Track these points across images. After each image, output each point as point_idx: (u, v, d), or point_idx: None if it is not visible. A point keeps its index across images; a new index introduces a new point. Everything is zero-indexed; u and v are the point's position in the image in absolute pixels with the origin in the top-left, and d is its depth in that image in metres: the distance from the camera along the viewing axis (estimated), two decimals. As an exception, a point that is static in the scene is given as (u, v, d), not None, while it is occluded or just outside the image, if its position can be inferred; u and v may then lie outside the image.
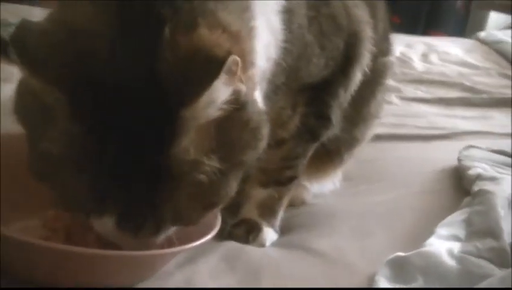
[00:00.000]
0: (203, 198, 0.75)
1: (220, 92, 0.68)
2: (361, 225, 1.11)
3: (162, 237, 0.76)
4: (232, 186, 0.77)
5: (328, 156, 1.16)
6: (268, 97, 0.85)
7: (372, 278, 0.90)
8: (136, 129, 0.68)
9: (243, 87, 0.71)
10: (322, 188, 1.23)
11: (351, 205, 1.21)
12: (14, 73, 1.19)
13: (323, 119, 1.02)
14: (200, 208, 0.76)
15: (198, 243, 0.80)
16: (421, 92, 2.15)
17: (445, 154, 1.52)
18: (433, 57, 2.59)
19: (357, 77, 1.03)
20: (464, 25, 3.96)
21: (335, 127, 1.04)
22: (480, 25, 3.81)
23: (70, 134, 0.68)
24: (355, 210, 1.18)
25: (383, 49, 1.13)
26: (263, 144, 0.77)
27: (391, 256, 0.93)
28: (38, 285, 0.74)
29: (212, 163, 0.71)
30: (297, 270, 0.93)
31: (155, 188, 0.70)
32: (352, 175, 1.32)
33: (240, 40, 0.73)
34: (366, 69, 1.04)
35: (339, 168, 1.22)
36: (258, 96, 0.80)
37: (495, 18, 3.94)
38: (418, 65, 2.44)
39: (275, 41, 0.85)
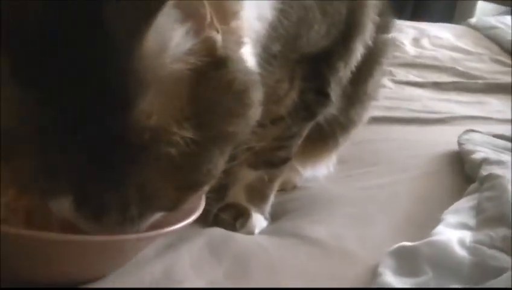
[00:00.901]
0: (177, 176, 0.61)
1: (175, 34, 0.55)
2: (359, 211, 1.01)
3: (134, 227, 0.63)
4: (217, 164, 0.64)
5: (323, 139, 1.06)
6: (262, 67, 0.74)
7: (374, 269, 0.80)
8: (84, 89, 0.55)
9: (218, 37, 0.58)
10: (315, 172, 1.14)
11: (346, 189, 1.11)
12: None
13: (322, 95, 0.92)
14: (173, 189, 0.62)
15: (176, 227, 0.69)
16: (413, 76, 2.10)
17: (442, 138, 1.44)
18: (425, 42, 2.54)
19: (359, 50, 0.94)
20: (451, 14, 3.89)
21: (333, 105, 0.94)
22: (468, 15, 3.74)
23: (11, 100, 0.56)
24: (351, 195, 1.09)
25: (384, 24, 1.03)
26: (255, 112, 0.64)
27: (395, 246, 0.83)
28: None
29: (183, 133, 0.58)
30: (291, 260, 0.83)
31: (112, 162, 0.57)
32: (347, 158, 1.22)
33: None
34: (370, 42, 0.94)
35: (334, 151, 1.13)
36: (248, 56, 0.66)
37: (482, 7, 3.88)
38: (410, 49, 2.39)
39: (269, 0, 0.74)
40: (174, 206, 0.65)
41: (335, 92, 0.92)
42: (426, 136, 1.52)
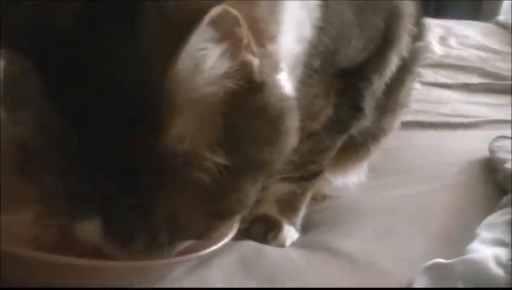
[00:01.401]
0: (207, 204, 0.59)
1: (210, 55, 0.53)
2: (390, 224, 0.99)
3: (162, 253, 0.61)
4: (248, 193, 0.62)
5: (354, 148, 1.04)
6: (303, 82, 0.72)
7: (407, 286, 0.79)
8: (114, 111, 0.53)
9: (255, 61, 0.57)
10: (346, 181, 1.12)
11: (376, 199, 1.10)
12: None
13: (356, 109, 0.90)
14: (204, 217, 0.61)
15: (204, 252, 0.67)
16: (441, 76, 2.06)
17: (472, 144, 1.41)
18: (452, 41, 2.49)
19: (394, 62, 0.92)
20: (476, 12, 3.82)
21: (367, 118, 0.93)
22: (494, 12, 3.67)
23: (40, 116, 0.56)
24: (381, 206, 1.07)
25: (418, 32, 1.01)
26: (289, 140, 0.62)
27: (429, 263, 0.81)
28: None
29: (216, 158, 0.56)
30: (322, 274, 0.82)
31: (142, 187, 0.55)
32: (376, 166, 1.20)
33: (253, 5, 0.59)
34: (405, 53, 0.92)
35: (365, 160, 1.12)
36: (285, 81, 0.63)
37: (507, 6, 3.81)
38: (437, 49, 2.33)
39: (309, 19, 0.73)
40: (203, 235, 0.64)
41: (369, 106, 0.91)
42: (456, 142, 1.49)
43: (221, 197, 0.60)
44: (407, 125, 1.42)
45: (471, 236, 0.90)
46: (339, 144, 0.94)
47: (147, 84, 0.52)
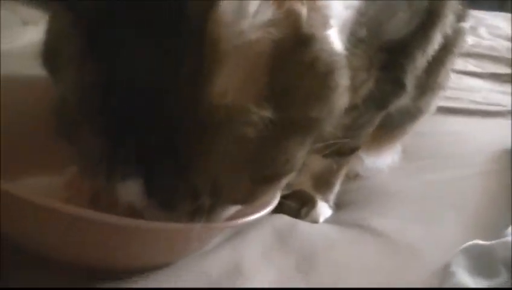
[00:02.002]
0: (252, 166, 0.56)
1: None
2: (425, 206, 0.97)
3: (203, 218, 0.59)
4: (296, 154, 0.58)
5: (390, 126, 1.02)
6: (348, 51, 0.70)
7: (445, 268, 0.77)
8: (154, 61, 0.51)
9: (303, 10, 0.53)
10: (379, 161, 1.10)
11: (410, 182, 1.07)
12: (36, 16, 1.09)
13: (398, 85, 0.88)
14: (248, 181, 0.57)
15: (247, 219, 0.65)
16: (471, 65, 2.02)
17: (505, 132, 1.37)
18: (482, 31, 2.45)
19: (437, 39, 0.89)
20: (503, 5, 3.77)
21: (407, 95, 0.90)
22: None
23: (80, 75, 0.54)
24: (415, 188, 1.05)
25: (461, 12, 0.99)
26: (340, 97, 0.58)
27: (468, 243, 0.79)
28: (44, 257, 0.61)
29: (263, 112, 0.53)
30: (357, 252, 0.80)
31: (183, 146, 0.52)
32: (408, 149, 1.17)
33: None
34: (449, 31, 0.90)
35: (399, 140, 1.09)
36: (335, 38, 0.60)
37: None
38: (467, 38, 2.28)
39: None
40: (247, 200, 0.61)
41: (410, 82, 0.88)
42: (488, 129, 1.46)
43: (267, 157, 0.56)
44: (439, 110, 1.39)
45: (505, 222, 0.89)
46: (377, 120, 0.92)
47: (188, 29, 0.49)
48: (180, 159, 0.53)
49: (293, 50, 0.54)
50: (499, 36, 2.44)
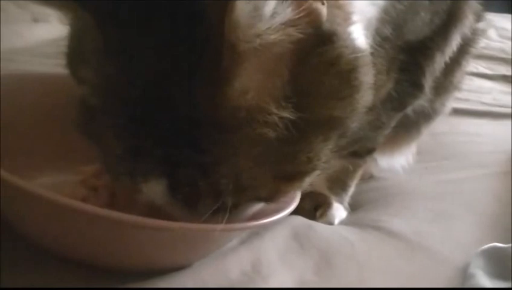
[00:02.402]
0: (274, 164, 0.55)
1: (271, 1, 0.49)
2: (441, 207, 0.96)
3: (226, 216, 0.57)
4: (319, 153, 0.57)
5: (405, 127, 1.01)
6: (375, 50, 0.69)
7: (462, 269, 0.76)
8: (172, 63, 0.51)
9: (323, 9, 0.52)
10: (393, 162, 1.09)
11: (424, 182, 1.07)
12: (46, 13, 1.09)
13: (416, 87, 0.87)
14: (271, 178, 0.57)
15: (268, 220, 0.64)
16: (481, 67, 2.01)
17: (516, 135, 1.37)
18: (492, 33, 2.43)
19: (456, 41, 0.89)
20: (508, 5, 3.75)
21: (425, 97, 0.89)
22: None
23: (101, 73, 0.54)
24: (429, 189, 1.04)
25: (479, 11, 0.98)
26: (363, 95, 0.57)
27: (487, 246, 0.79)
28: (52, 254, 0.60)
29: (283, 113, 0.52)
30: (376, 253, 0.79)
31: (205, 145, 0.52)
32: (422, 149, 1.18)
33: None
34: (468, 33, 0.89)
35: (415, 141, 1.08)
36: (359, 34, 0.60)
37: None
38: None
39: None
40: (270, 198, 0.60)
41: (428, 84, 0.88)
42: (499, 131, 1.44)
43: (289, 157, 0.56)
44: (451, 111, 1.39)
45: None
46: (394, 122, 0.91)
47: (206, 32, 0.49)
48: (203, 157, 0.52)
49: (314, 49, 0.53)
50: (508, 38, 2.43)
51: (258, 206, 0.63)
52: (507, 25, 2.57)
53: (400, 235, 0.84)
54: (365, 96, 0.58)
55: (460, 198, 1.01)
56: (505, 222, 0.93)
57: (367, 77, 0.57)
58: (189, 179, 0.54)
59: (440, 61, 0.88)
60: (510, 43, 2.36)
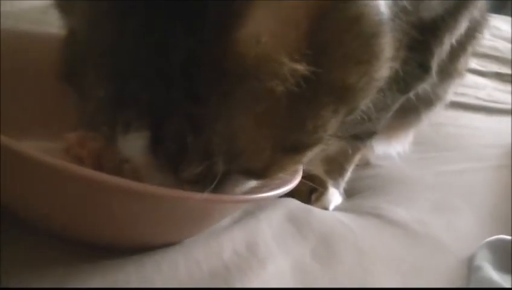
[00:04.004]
0: (276, 130, 0.49)
1: None
2: (441, 197, 0.92)
3: (213, 185, 0.50)
4: (327, 123, 0.51)
5: (404, 113, 0.95)
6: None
7: (463, 258, 0.74)
8: None
9: None
10: (389, 150, 1.04)
11: (422, 172, 1.03)
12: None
13: (423, 69, 0.81)
14: (269, 149, 0.50)
15: (266, 195, 0.57)
16: (474, 64, 1.98)
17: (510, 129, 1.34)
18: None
19: (464, 23, 0.84)
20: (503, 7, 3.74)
21: (430, 80, 0.85)
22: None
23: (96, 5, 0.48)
24: (428, 179, 1.00)
25: None
26: (382, 67, 0.51)
27: (492, 238, 0.76)
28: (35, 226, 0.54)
29: (295, 66, 0.46)
30: (376, 240, 0.75)
31: (204, 94, 0.45)
32: (419, 140, 1.13)
33: None
34: (477, 14, 0.85)
35: (414, 128, 1.04)
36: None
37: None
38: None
39: None
40: (265, 173, 0.54)
41: (435, 66, 0.83)
42: (495, 125, 1.43)
43: (295, 122, 0.50)
44: (448, 104, 1.36)
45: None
46: (397, 105, 0.86)
47: None
48: (196, 110, 0.46)
49: (336, 2, 0.47)
50: (500, 37, 2.41)
51: (249, 184, 0.56)
52: (498, 25, 2.54)
53: (401, 223, 0.80)
54: (382, 69, 0.52)
55: (458, 190, 0.97)
56: (504, 214, 0.90)
57: (388, 46, 0.52)
58: (176, 132, 0.47)
59: (448, 43, 0.83)
60: (502, 42, 2.34)
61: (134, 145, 0.49)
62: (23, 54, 0.70)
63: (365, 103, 0.55)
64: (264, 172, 0.53)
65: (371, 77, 0.51)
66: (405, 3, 0.62)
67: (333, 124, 0.52)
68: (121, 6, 0.46)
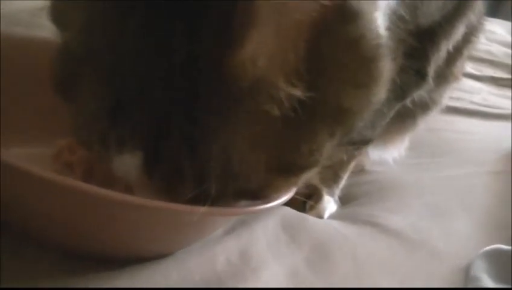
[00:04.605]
0: (271, 152, 0.49)
1: None
2: (437, 203, 0.91)
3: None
4: (322, 146, 0.51)
5: (400, 118, 0.94)
6: (390, 30, 0.63)
7: (460, 265, 0.73)
8: (179, 14, 0.44)
9: None
10: (384, 155, 1.03)
11: (418, 177, 1.01)
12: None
13: (420, 75, 0.80)
14: (265, 168, 0.50)
15: (256, 208, 0.56)
16: (469, 68, 1.97)
17: (506, 134, 1.33)
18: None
19: (461, 29, 0.83)
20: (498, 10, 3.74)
21: (426, 87, 0.84)
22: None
23: (92, 10, 0.47)
24: (424, 184, 0.99)
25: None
26: (379, 90, 0.51)
27: (489, 247, 0.75)
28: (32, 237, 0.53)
29: (291, 90, 0.46)
30: (372, 249, 0.74)
31: (197, 113, 0.45)
32: (415, 145, 1.12)
33: None
34: (474, 19, 0.84)
35: (410, 133, 1.03)
36: (381, 22, 0.54)
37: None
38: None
39: None
40: (260, 193, 0.53)
41: (432, 73, 0.82)
42: (490, 130, 1.42)
43: (290, 144, 0.49)
44: (444, 109, 1.35)
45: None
46: (393, 112, 0.85)
47: None
48: (191, 131, 0.46)
49: (336, 24, 0.47)
50: (495, 41, 2.41)
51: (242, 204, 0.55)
52: (493, 29, 2.54)
53: (397, 231, 0.79)
54: (380, 93, 0.52)
55: (455, 195, 0.96)
56: (501, 220, 0.90)
57: (386, 71, 0.51)
58: (172, 155, 0.47)
59: (444, 49, 0.82)
60: (497, 46, 2.34)
61: (128, 165, 0.48)
62: (17, 59, 0.70)
63: (361, 123, 0.54)
64: (258, 193, 0.53)
65: (369, 101, 0.51)
66: (402, 12, 0.61)
67: (328, 148, 0.52)
68: (121, 6, 0.46)
